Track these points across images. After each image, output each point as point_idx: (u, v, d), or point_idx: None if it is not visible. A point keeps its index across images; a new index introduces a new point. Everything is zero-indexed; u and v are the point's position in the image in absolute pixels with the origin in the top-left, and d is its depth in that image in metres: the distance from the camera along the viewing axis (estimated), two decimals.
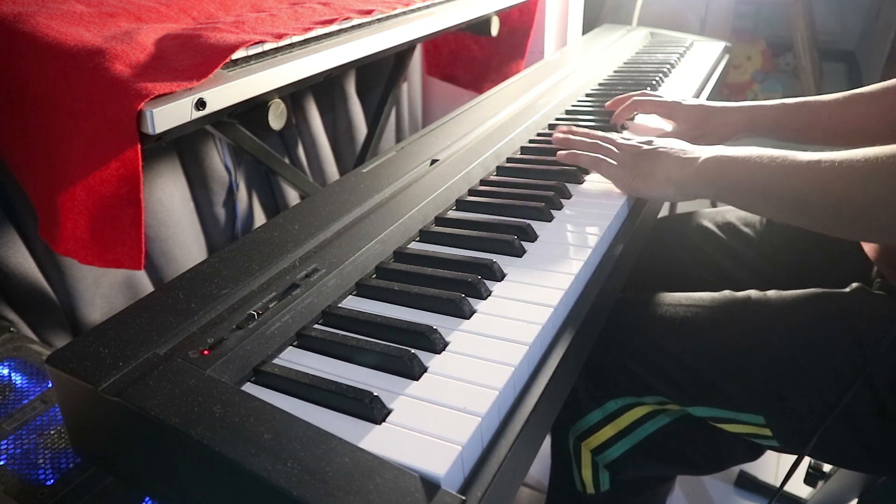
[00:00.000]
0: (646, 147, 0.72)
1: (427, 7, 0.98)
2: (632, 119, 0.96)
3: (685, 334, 0.69)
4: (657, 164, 0.69)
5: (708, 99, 1.07)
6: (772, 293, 0.69)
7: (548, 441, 0.82)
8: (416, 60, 1.45)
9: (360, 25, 0.85)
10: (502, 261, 0.59)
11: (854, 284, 0.68)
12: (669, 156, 0.69)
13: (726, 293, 0.72)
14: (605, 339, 0.70)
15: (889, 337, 0.60)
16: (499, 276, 0.57)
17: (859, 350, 0.62)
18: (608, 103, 0.96)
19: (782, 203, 0.61)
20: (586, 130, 0.82)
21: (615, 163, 0.73)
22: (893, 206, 0.53)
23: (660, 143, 0.72)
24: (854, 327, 0.63)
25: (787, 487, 1.14)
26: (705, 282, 0.86)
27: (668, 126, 0.92)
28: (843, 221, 0.57)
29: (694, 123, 0.87)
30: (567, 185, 0.75)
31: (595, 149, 0.76)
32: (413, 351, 0.46)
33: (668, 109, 0.90)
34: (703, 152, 0.67)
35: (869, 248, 0.73)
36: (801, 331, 0.65)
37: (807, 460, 1.10)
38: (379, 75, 1.27)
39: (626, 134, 0.87)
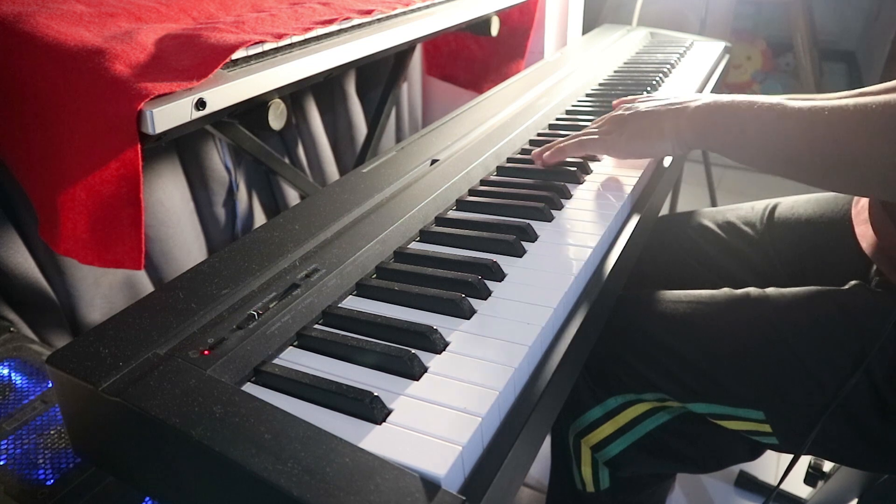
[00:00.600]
0: (629, 112, 0.73)
1: (427, 7, 0.98)
2: None
3: (685, 331, 0.69)
4: (647, 119, 0.70)
5: None
6: (771, 290, 0.70)
7: (548, 441, 0.82)
8: (416, 60, 1.45)
9: (360, 25, 0.85)
10: (502, 261, 0.59)
11: (853, 282, 0.68)
12: (658, 111, 0.69)
13: (726, 290, 0.72)
14: (605, 337, 0.70)
15: (887, 330, 0.60)
16: (499, 276, 0.57)
17: (859, 345, 0.62)
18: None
19: (773, 153, 0.61)
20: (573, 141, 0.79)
21: (600, 133, 0.73)
22: (884, 157, 0.52)
23: (643, 104, 0.73)
24: (853, 323, 0.64)
25: (787, 487, 1.14)
26: (705, 280, 0.87)
27: None
28: (832, 172, 0.57)
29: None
30: (567, 185, 0.75)
31: (576, 138, 0.75)
32: (413, 351, 0.46)
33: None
34: (692, 101, 0.67)
35: (867, 245, 0.73)
36: (800, 327, 0.65)
37: (807, 460, 1.10)
38: (379, 75, 1.27)
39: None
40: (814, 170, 0.58)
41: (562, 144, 0.76)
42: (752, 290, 0.71)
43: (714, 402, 0.68)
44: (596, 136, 0.73)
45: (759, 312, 0.67)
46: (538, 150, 0.79)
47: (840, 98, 0.57)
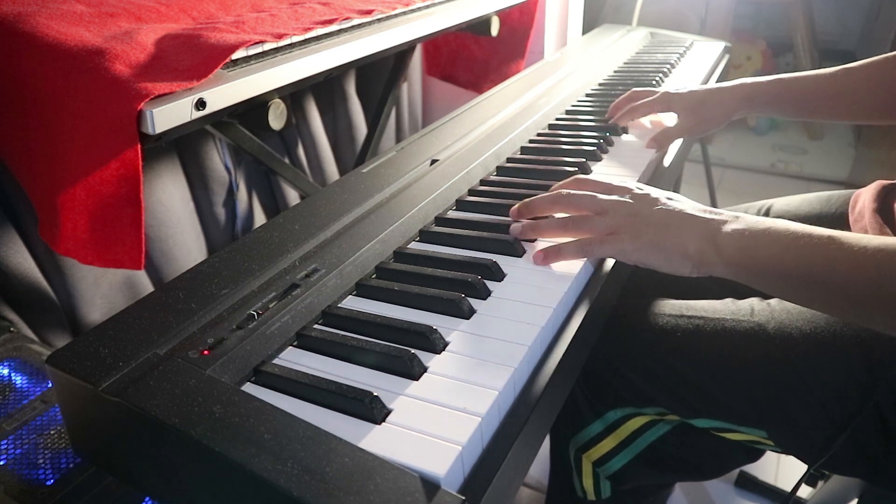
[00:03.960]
0: (645, 206, 0.59)
1: (427, 7, 0.98)
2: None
3: (687, 348, 0.67)
4: (669, 234, 0.57)
5: None
6: (775, 303, 0.67)
7: (548, 441, 0.82)
8: (416, 60, 1.45)
9: (360, 25, 0.85)
10: (502, 261, 0.59)
11: None
12: (682, 227, 0.57)
13: (728, 302, 0.70)
14: (604, 349, 0.69)
15: None
16: (498, 276, 0.57)
17: (865, 365, 0.60)
18: (608, 117, 0.93)
19: (825, 293, 0.52)
20: (549, 194, 0.64)
21: (603, 230, 0.59)
22: None
23: (662, 198, 0.60)
24: (860, 343, 0.61)
25: (787, 487, 1.14)
26: (704, 287, 0.86)
27: (669, 120, 0.92)
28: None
29: (692, 110, 0.87)
30: None
31: (570, 224, 0.61)
32: (413, 351, 0.46)
33: (664, 103, 0.89)
34: (720, 223, 0.56)
35: None
36: (805, 346, 0.62)
37: None
38: (379, 75, 1.27)
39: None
40: (877, 315, 0.50)
41: (553, 228, 0.63)
42: (755, 302, 0.68)
43: (715, 418, 0.66)
44: (602, 241, 0.59)
45: (764, 330, 0.65)
46: (515, 208, 0.66)
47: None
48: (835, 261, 0.50)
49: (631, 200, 0.60)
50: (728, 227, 0.55)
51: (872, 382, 0.59)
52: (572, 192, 0.63)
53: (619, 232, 0.58)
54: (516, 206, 0.66)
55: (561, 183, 0.67)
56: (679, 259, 0.57)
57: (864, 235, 0.50)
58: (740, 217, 0.56)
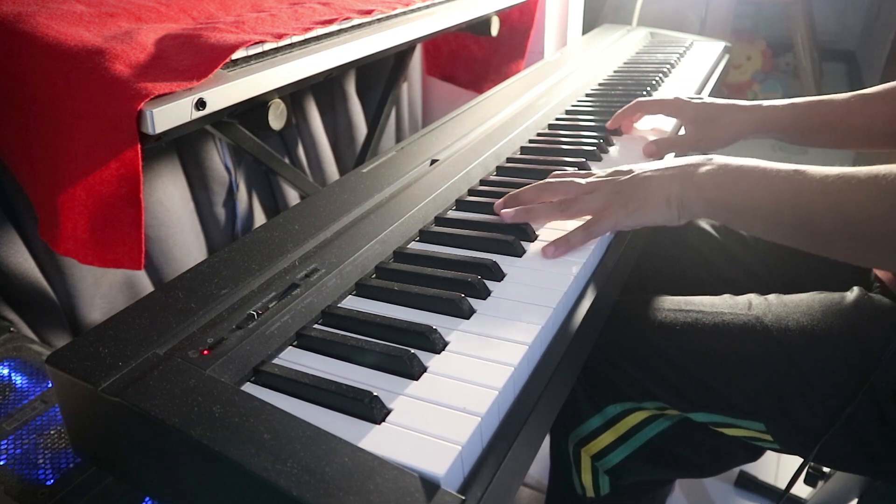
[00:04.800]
0: (625, 176, 0.64)
1: (427, 7, 0.98)
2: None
3: (685, 341, 0.68)
4: (650, 186, 0.62)
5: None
6: (772, 298, 0.68)
7: (548, 441, 0.82)
8: (416, 60, 1.45)
9: (360, 25, 0.85)
10: (502, 261, 0.59)
11: (855, 289, 0.67)
12: (661, 176, 0.62)
13: (726, 297, 0.71)
14: (603, 344, 0.69)
15: (892, 346, 0.59)
16: (499, 276, 0.57)
17: (862, 357, 0.61)
18: (609, 123, 0.91)
19: (793, 226, 0.56)
20: (535, 184, 0.68)
21: (596, 206, 0.63)
22: None
23: (639, 168, 0.65)
24: (857, 334, 0.62)
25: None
26: (703, 283, 0.86)
27: (670, 126, 0.91)
28: (859, 245, 0.53)
29: (700, 124, 0.84)
30: None
31: (563, 205, 0.65)
32: (413, 351, 0.46)
33: (674, 108, 0.87)
34: (698, 166, 0.61)
35: None
36: (802, 338, 0.64)
37: None
38: (379, 75, 1.27)
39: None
40: (839, 244, 0.54)
41: (544, 211, 0.66)
42: (753, 297, 0.69)
43: (714, 412, 0.67)
44: (588, 200, 0.64)
45: (761, 323, 0.66)
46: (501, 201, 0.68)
47: (862, 171, 0.52)
48: (800, 190, 0.54)
49: (611, 177, 0.65)
50: (703, 168, 0.61)
51: (867, 366, 0.60)
52: (556, 180, 0.67)
53: (611, 206, 0.63)
54: (501, 199, 0.68)
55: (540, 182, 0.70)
56: (665, 206, 0.61)
57: (827, 167, 0.54)
58: (713, 158, 0.61)
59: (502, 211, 0.67)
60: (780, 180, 0.56)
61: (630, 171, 0.65)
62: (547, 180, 0.68)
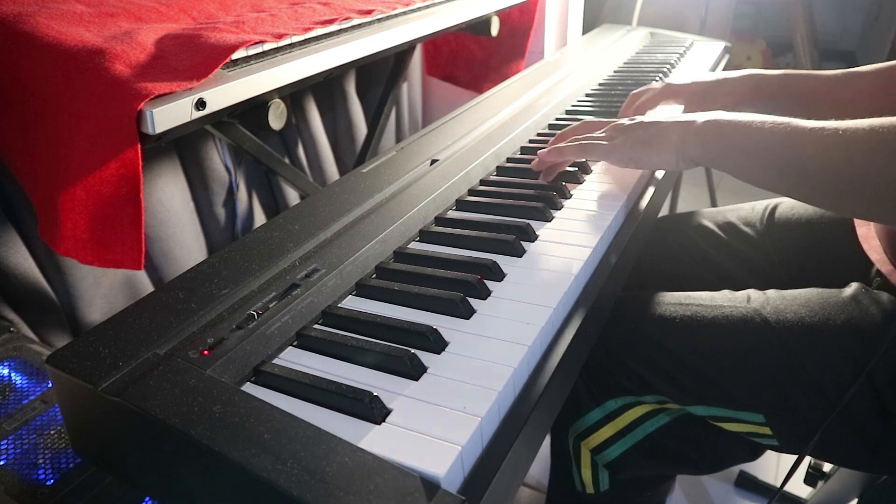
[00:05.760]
0: (632, 121, 0.70)
1: (427, 7, 0.98)
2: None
3: (685, 333, 0.69)
4: (653, 130, 0.67)
5: None
6: (771, 292, 0.69)
7: (548, 441, 0.82)
8: (416, 60, 1.45)
9: (360, 25, 0.85)
10: (502, 261, 0.59)
11: (854, 284, 0.68)
12: (664, 122, 0.67)
13: (726, 292, 0.72)
14: (604, 339, 0.70)
15: (890, 334, 0.60)
16: (499, 276, 0.57)
17: (860, 348, 0.62)
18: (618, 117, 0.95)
19: (782, 170, 0.59)
20: (571, 126, 0.78)
21: (604, 142, 0.70)
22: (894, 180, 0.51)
23: (649, 116, 0.71)
24: (854, 325, 0.63)
25: (787, 487, 1.14)
26: (705, 281, 0.86)
27: (678, 108, 0.93)
28: (843, 193, 0.55)
29: (699, 96, 0.87)
30: (567, 185, 0.75)
31: (583, 143, 0.72)
32: (413, 351, 0.46)
33: (670, 93, 0.90)
34: (700, 116, 0.65)
35: (870, 248, 0.73)
36: (801, 329, 0.65)
37: (807, 460, 1.10)
38: (379, 75, 1.27)
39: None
40: (826, 189, 0.56)
41: (561, 145, 0.74)
42: (752, 291, 0.71)
43: (713, 404, 0.68)
44: (600, 142, 0.70)
45: (760, 315, 0.67)
46: (541, 151, 0.76)
47: (850, 123, 0.54)
48: (793, 134, 0.57)
49: (624, 122, 0.72)
50: (704, 118, 0.64)
51: (865, 359, 0.61)
52: (582, 123, 0.76)
53: (615, 139, 0.69)
54: (544, 149, 0.76)
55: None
56: (666, 148, 0.66)
57: (821, 122, 0.57)
58: (713, 112, 0.65)
59: (540, 153, 0.75)
60: (775, 127, 0.59)
61: (640, 119, 0.71)
62: (575, 124, 0.77)
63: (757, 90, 0.85)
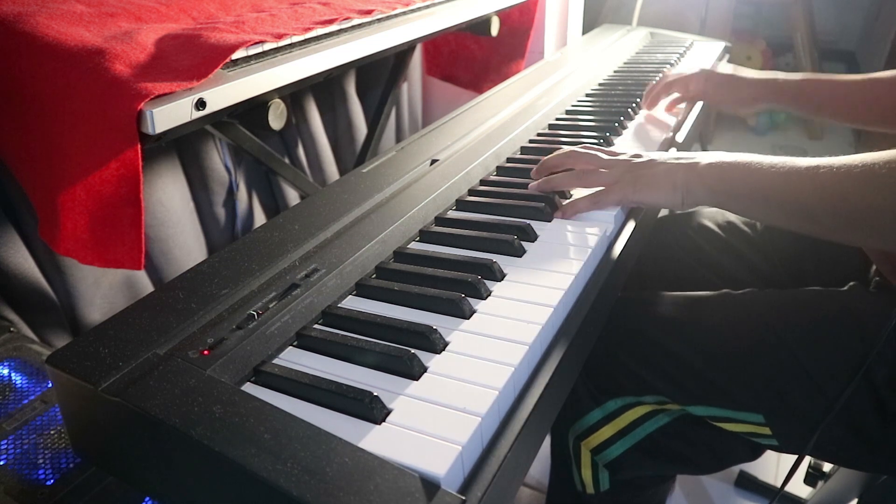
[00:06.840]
0: (640, 159, 0.69)
1: (427, 7, 0.98)
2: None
3: (685, 333, 0.69)
4: (659, 170, 0.67)
5: None
6: (770, 292, 0.70)
7: (548, 441, 0.82)
8: (416, 60, 1.45)
9: (360, 25, 0.85)
10: (502, 261, 0.59)
11: (852, 283, 0.69)
12: (669, 162, 0.67)
13: (725, 292, 0.72)
14: (605, 339, 0.70)
15: (886, 332, 0.60)
16: (499, 276, 0.57)
17: (859, 347, 0.62)
18: (646, 104, 1.00)
19: (782, 208, 0.60)
20: (561, 151, 0.74)
21: (608, 180, 0.69)
22: (890, 212, 0.53)
23: (653, 154, 0.70)
24: (853, 325, 0.64)
25: (787, 487, 1.14)
26: (705, 281, 0.87)
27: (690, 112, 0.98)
28: (842, 226, 0.57)
29: (727, 88, 0.94)
30: None
31: (581, 176, 0.71)
32: (413, 351, 0.46)
33: (699, 79, 0.96)
34: (702, 158, 0.66)
35: (869, 247, 0.73)
36: (800, 330, 0.65)
37: (807, 460, 1.10)
38: (379, 75, 1.27)
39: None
40: (829, 225, 0.58)
41: (559, 177, 0.71)
42: (751, 291, 0.71)
43: (713, 404, 0.68)
44: (603, 173, 0.69)
45: (759, 315, 0.67)
46: (533, 184, 0.73)
47: (844, 160, 0.57)
48: (790, 174, 0.59)
49: (625, 158, 0.71)
50: (706, 160, 0.66)
51: (863, 357, 0.62)
52: (581, 150, 0.72)
53: (621, 181, 0.68)
54: (536, 167, 0.75)
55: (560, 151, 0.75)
56: (670, 190, 0.66)
57: (819, 159, 0.59)
58: (711, 153, 0.67)
59: (531, 185, 0.73)
60: (773, 168, 0.61)
61: (637, 155, 0.71)
62: (573, 148, 0.73)
63: (778, 95, 0.89)
